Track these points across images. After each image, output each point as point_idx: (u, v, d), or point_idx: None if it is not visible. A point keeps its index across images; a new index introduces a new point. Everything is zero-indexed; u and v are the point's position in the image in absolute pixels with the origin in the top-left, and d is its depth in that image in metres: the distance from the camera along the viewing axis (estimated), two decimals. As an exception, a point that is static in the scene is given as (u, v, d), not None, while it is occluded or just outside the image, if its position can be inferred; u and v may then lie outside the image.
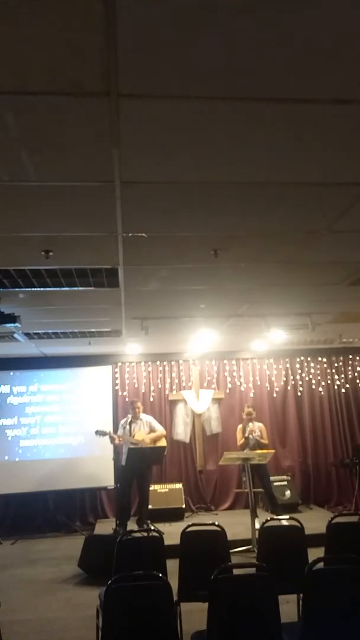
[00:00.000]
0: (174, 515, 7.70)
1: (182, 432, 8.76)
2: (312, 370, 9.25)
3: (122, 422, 7.71)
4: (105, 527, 7.54)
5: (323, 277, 4.39)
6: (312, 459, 8.88)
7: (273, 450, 7.46)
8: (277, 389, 9.12)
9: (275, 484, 7.90)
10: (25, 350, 7.75)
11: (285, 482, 8.25)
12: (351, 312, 5.95)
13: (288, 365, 9.24)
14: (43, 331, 6.35)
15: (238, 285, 4.58)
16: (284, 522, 4.83)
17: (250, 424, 7.83)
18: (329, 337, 7.84)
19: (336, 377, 9.27)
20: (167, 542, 4.16)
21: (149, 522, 7.11)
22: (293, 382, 9.18)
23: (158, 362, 8.96)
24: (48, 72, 1.72)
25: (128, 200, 2.73)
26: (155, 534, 4.32)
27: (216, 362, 9.10)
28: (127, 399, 8.49)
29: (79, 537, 7.20)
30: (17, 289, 4.25)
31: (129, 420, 7.58)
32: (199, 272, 4.15)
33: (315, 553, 3.77)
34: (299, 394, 9.15)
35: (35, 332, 6.30)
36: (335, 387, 9.23)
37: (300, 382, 9.19)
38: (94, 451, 8.03)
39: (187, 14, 1.51)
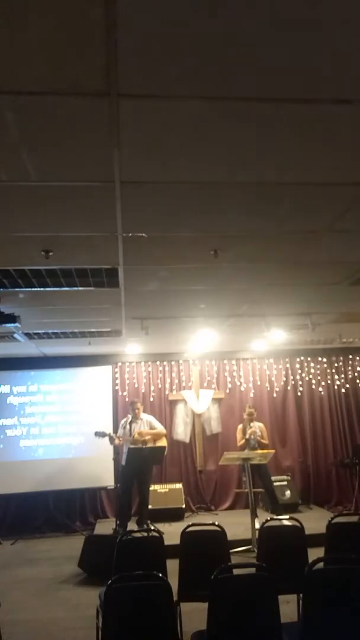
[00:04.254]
0: (174, 515, 7.70)
1: (182, 432, 8.76)
2: (312, 370, 9.25)
3: (122, 422, 7.71)
4: (105, 527, 7.54)
5: (323, 277, 4.39)
6: (312, 459, 8.88)
7: (273, 450, 7.46)
8: (277, 389, 9.12)
9: (275, 484, 7.89)
10: (25, 350, 7.75)
11: (285, 482, 8.24)
12: (351, 312, 5.95)
13: (288, 365, 9.23)
14: (43, 331, 6.35)
15: (238, 285, 4.58)
16: (284, 522, 4.83)
17: (251, 424, 7.83)
18: (329, 337, 7.84)
19: (336, 377, 9.27)
20: (167, 542, 4.15)
21: (149, 522, 7.10)
22: (293, 382, 9.18)
23: (158, 362, 8.96)
24: (48, 72, 1.72)
25: (128, 200, 2.73)
26: (155, 534, 4.32)
27: (216, 362, 9.09)
28: (127, 399, 8.48)
29: (79, 537, 7.20)
30: (17, 289, 4.25)
31: (129, 420, 7.58)
32: (199, 272, 4.15)
33: (315, 553, 3.77)
34: (299, 394, 9.15)
35: (35, 332, 6.30)
36: (335, 387, 9.23)
37: (300, 382, 9.19)
38: (94, 451, 8.02)
39: (187, 14, 1.51)
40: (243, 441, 7.77)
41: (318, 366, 9.27)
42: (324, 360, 9.29)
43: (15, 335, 6.28)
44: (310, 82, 1.82)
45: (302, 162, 2.41)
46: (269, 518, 4.64)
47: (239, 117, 2.02)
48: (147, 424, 7.58)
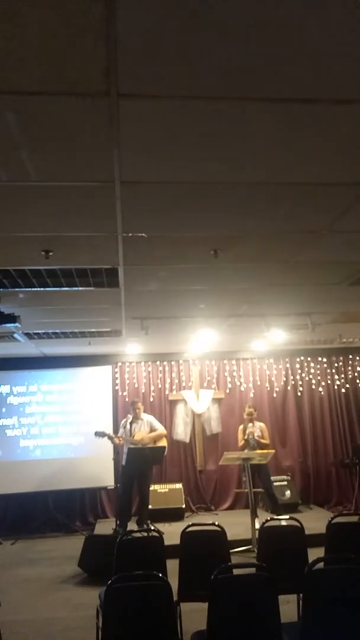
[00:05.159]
0: (174, 515, 7.70)
1: (182, 432, 8.76)
2: (312, 370, 9.25)
3: (122, 422, 7.72)
4: (105, 527, 7.54)
5: (323, 277, 4.39)
6: (312, 459, 8.88)
7: (273, 450, 7.46)
8: (277, 389, 9.12)
9: (275, 484, 7.89)
10: (25, 350, 7.75)
11: (285, 482, 8.24)
12: (351, 312, 5.95)
13: (288, 365, 9.24)
14: (43, 331, 6.35)
15: (238, 285, 4.58)
16: (284, 522, 4.83)
17: (250, 424, 7.82)
18: (329, 337, 7.84)
19: (336, 377, 9.27)
20: (167, 542, 4.15)
21: (149, 522, 7.11)
22: (293, 382, 9.18)
23: (158, 362, 8.96)
24: (48, 72, 1.72)
25: (128, 200, 2.73)
26: (155, 534, 4.32)
27: (216, 362, 9.10)
28: (127, 399, 8.49)
29: (79, 537, 7.20)
30: (17, 289, 4.25)
31: (130, 420, 7.59)
32: (199, 272, 4.15)
33: (315, 553, 3.77)
34: (299, 394, 9.15)
35: (35, 332, 6.30)
36: (335, 387, 9.23)
37: (300, 382, 9.19)
38: (94, 451, 8.02)
39: (187, 14, 1.51)
40: (243, 442, 7.77)
41: (318, 366, 9.27)
42: (324, 360, 9.29)
43: (15, 335, 6.28)
44: (310, 82, 1.82)
45: (303, 162, 2.40)
46: (269, 518, 4.64)
47: (238, 117, 2.02)
48: (147, 424, 7.59)
